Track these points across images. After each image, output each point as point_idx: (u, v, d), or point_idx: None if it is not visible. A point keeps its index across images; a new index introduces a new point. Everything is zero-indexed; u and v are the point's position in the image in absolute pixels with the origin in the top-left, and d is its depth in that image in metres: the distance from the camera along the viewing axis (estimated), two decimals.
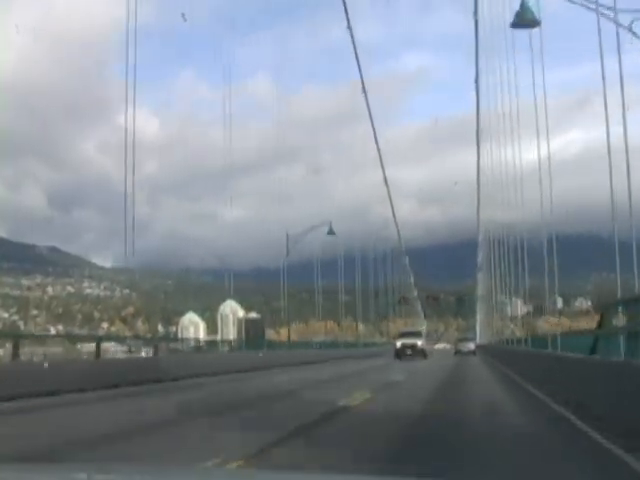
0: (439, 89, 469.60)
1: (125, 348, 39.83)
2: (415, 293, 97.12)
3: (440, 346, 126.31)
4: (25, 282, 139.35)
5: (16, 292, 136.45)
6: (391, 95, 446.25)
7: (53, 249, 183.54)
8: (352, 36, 40.40)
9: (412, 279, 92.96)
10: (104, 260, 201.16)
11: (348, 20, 38.26)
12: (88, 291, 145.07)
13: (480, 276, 64.52)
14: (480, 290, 68.48)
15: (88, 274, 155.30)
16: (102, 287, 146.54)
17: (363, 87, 47.93)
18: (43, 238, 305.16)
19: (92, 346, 41.98)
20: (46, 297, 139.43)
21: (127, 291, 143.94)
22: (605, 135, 14.03)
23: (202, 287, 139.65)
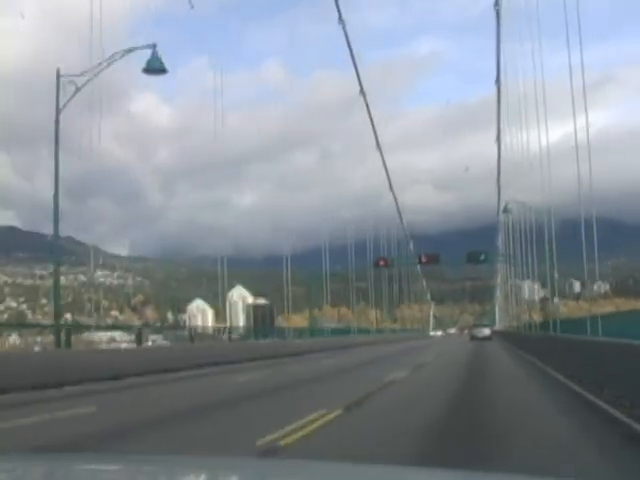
0: (453, 73, 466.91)
1: (131, 337, 39.08)
2: (418, 267, 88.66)
3: (437, 334, 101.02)
4: (38, 271, 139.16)
5: (29, 281, 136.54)
6: (404, 79, 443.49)
7: (68, 239, 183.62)
8: (344, 29, 38.16)
9: (411, 246, 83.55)
10: (120, 249, 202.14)
11: (339, 13, 36.24)
12: (101, 280, 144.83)
13: (499, 261, 62.81)
14: (500, 275, 66.85)
15: (102, 263, 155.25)
16: (115, 276, 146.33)
17: (360, 83, 45.57)
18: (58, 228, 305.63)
19: (100, 335, 41.23)
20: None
21: (140, 279, 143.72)
22: (622, 118, 12.69)
23: (215, 274, 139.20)
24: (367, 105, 48.71)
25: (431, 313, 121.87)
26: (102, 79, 23.09)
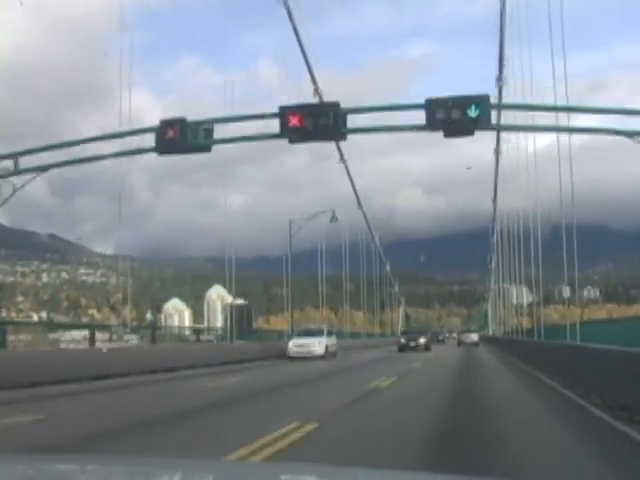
0: (446, 76, 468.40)
1: (105, 336, 37.88)
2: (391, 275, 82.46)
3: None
4: (20, 269, 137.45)
5: (9, 279, 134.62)
6: (395, 81, 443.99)
7: (53, 236, 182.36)
8: (298, 38, 34.96)
9: (388, 266, 74.93)
10: (106, 248, 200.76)
11: (293, 22, 33.45)
12: (83, 278, 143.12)
13: (493, 266, 60.95)
14: (492, 280, 64.89)
15: (86, 261, 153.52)
16: (98, 274, 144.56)
17: (340, 153, 42.05)
18: (44, 225, 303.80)
19: (73, 335, 39.92)
20: (39, 284, 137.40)
21: (123, 278, 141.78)
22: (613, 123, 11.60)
23: (201, 275, 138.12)
24: (349, 174, 46.58)
25: (401, 311, 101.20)
26: None
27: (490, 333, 68.50)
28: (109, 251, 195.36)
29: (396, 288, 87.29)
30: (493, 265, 54.76)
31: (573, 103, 19.17)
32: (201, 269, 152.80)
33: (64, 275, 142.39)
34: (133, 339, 37.78)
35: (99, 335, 39.25)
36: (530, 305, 39.63)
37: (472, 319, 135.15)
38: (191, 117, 20.74)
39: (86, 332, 38.58)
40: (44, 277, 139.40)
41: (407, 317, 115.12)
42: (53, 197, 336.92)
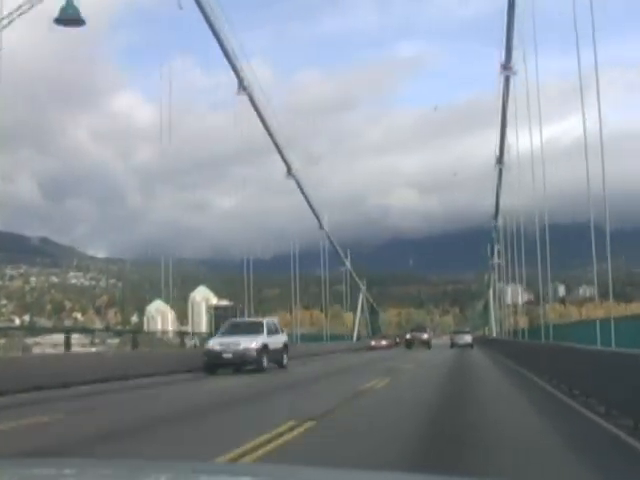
0: (438, 76, 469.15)
1: (86, 340, 37.15)
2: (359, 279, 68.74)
3: None
4: (9, 272, 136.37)
5: None
6: (387, 81, 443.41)
7: (44, 240, 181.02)
8: (222, 46, 33.03)
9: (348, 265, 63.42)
10: (99, 251, 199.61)
11: (215, 31, 31.85)
12: (73, 281, 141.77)
13: (494, 265, 58.70)
14: (493, 279, 62.54)
15: (76, 264, 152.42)
16: (88, 277, 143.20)
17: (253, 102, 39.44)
18: (35, 229, 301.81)
19: (54, 338, 38.76)
20: (27, 287, 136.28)
21: (113, 281, 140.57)
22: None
23: (192, 277, 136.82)
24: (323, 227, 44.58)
25: (360, 299, 73.36)
26: None
27: (494, 334, 60.39)
28: (102, 254, 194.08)
29: (348, 264, 63.24)
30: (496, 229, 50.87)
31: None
32: (193, 271, 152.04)
33: (53, 279, 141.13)
34: (116, 343, 36.82)
35: (84, 339, 38.18)
36: (527, 304, 38.77)
37: (467, 319, 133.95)
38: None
39: (69, 336, 37.24)
40: (32, 280, 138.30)
41: (373, 311, 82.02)
42: (46, 200, 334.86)
